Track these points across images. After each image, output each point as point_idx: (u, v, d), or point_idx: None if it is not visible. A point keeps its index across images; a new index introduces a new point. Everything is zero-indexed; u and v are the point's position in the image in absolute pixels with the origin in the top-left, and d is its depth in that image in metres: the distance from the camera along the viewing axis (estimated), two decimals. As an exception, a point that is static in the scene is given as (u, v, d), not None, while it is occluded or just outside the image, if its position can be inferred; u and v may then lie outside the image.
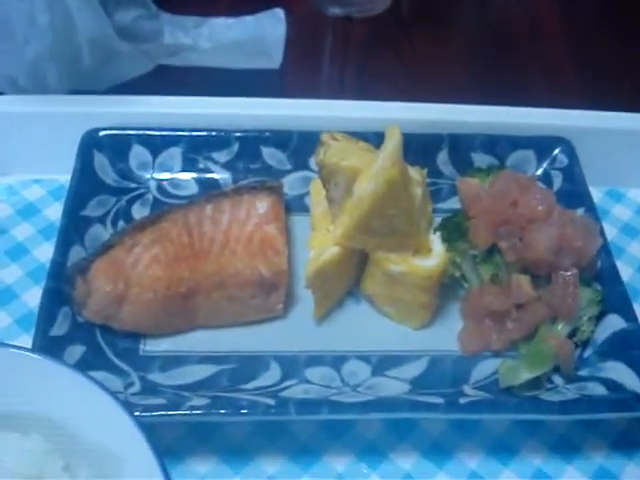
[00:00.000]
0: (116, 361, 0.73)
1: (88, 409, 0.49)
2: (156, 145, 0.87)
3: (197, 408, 0.70)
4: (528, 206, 0.81)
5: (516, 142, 0.96)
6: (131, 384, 0.70)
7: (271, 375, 0.73)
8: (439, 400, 0.72)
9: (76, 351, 0.71)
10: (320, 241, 0.76)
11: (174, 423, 0.72)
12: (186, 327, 0.75)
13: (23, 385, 0.49)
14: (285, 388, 0.71)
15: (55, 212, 0.81)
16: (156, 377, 0.71)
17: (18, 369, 0.49)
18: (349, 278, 0.83)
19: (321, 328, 0.78)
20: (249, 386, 0.71)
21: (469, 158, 0.89)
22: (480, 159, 0.89)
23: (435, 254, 0.76)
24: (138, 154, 0.87)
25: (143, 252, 0.76)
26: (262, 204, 0.84)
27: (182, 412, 0.69)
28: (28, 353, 0.51)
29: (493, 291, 0.79)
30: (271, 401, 0.72)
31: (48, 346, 0.67)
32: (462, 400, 0.72)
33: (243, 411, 0.70)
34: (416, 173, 0.73)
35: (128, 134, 0.86)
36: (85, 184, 0.82)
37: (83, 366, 0.68)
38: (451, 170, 0.90)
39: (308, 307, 0.77)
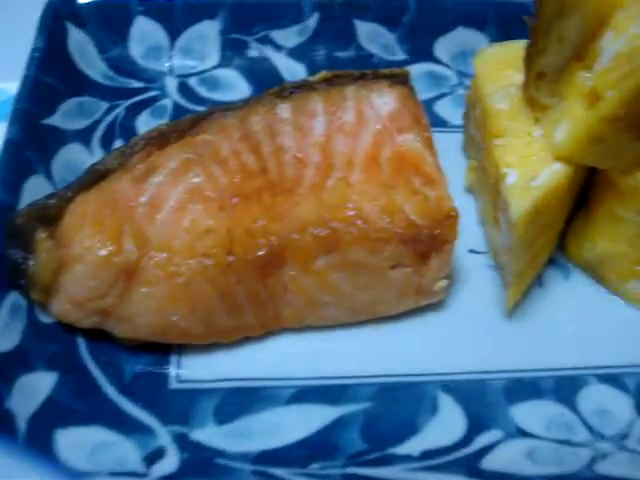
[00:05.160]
0: (124, 404, 0.40)
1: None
2: (176, 19, 0.57)
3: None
4: None
5: None
6: (159, 453, 0.38)
7: (446, 421, 0.41)
8: None
9: (38, 385, 0.39)
10: (520, 156, 0.44)
11: None
12: (263, 330, 0.44)
13: None
14: (484, 451, 0.39)
15: None
16: (210, 436, 0.39)
17: None
18: (559, 229, 0.44)
19: (516, 326, 0.46)
20: (409, 449, 0.39)
21: None
22: None
23: None
24: (145, 33, 0.57)
25: (169, 183, 0.44)
26: (385, 99, 0.45)
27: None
28: None
29: None
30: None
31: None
32: None
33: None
34: None
35: (128, 1, 0.57)
36: (52, 76, 0.52)
37: (52, 416, 0.39)
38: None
39: (481, 289, 0.48)
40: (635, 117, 0.40)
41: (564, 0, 0.40)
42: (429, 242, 0.43)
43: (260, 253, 0.40)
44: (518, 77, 0.46)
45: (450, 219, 0.43)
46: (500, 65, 0.49)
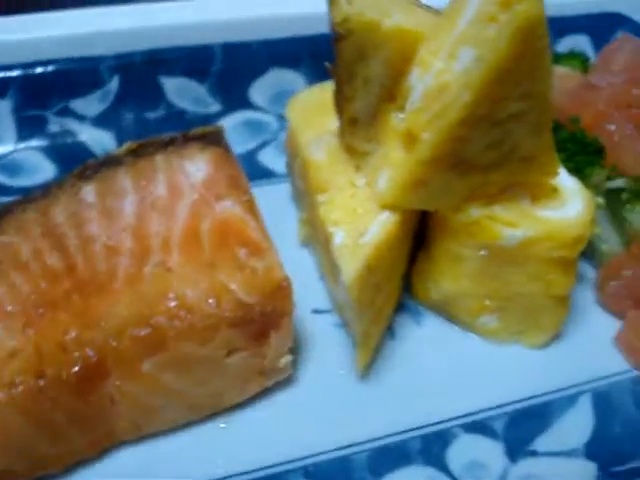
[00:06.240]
0: None
1: None
2: (-41, 101, 0.52)
3: None
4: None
5: (564, 24, 0.64)
6: None
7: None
8: None
9: None
10: (346, 210, 0.41)
11: None
12: (97, 448, 0.39)
13: None
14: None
15: None
16: None
17: None
18: (400, 277, 0.42)
19: (372, 387, 0.43)
20: None
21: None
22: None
23: (569, 196, 0.42)
24: None
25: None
26: (198, 165, 0.42)
27: None
28: None
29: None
30: None
31: None
32: None
33: None
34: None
35: None
36: None
37: None
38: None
39: (331, 352, 0.44)
40: (454, 156, 0.38)
41: (363, 43, 0.37)
42: (263, 320, 0.39)
43: (75, 369, 0.35)
44: (333, 122, 0.43)
45: (282, 290, 0.39)
46: (314, 111, 0.46)
